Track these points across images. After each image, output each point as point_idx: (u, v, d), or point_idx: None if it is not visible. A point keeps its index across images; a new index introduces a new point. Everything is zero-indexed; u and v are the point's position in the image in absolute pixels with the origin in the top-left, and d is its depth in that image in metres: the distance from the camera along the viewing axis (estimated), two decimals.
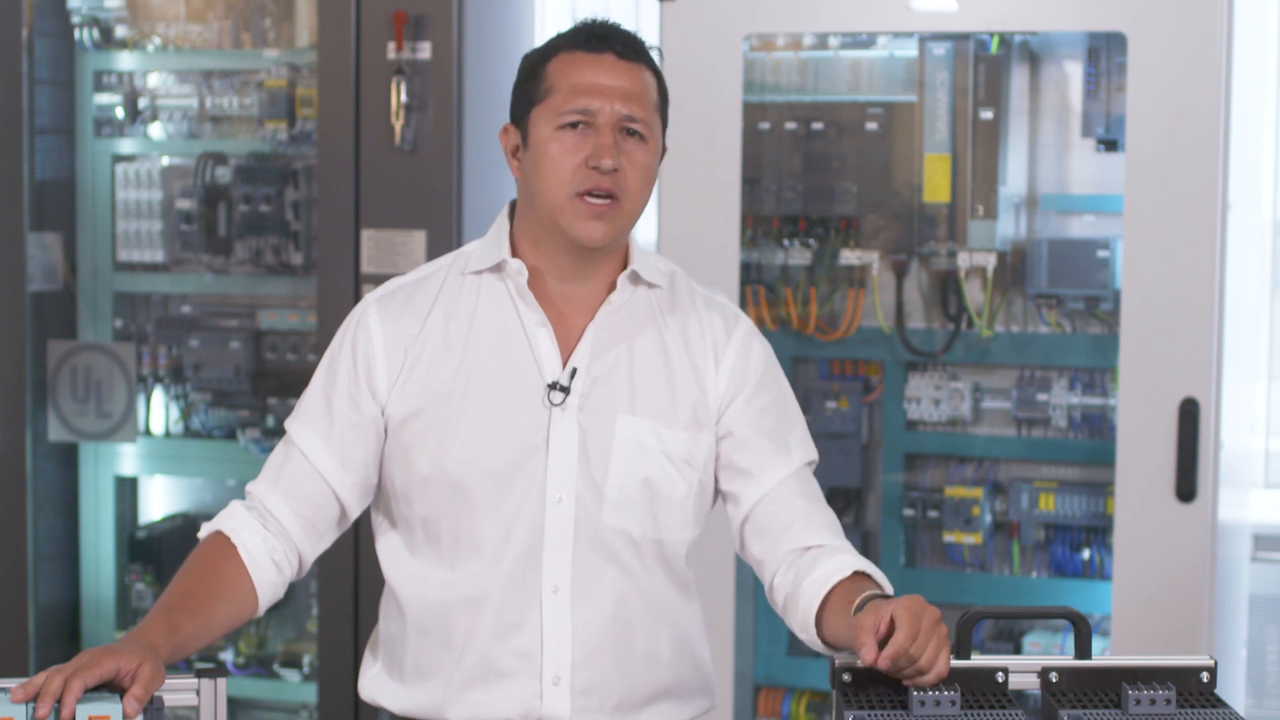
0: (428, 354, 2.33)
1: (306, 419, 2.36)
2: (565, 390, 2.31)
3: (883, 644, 1.98)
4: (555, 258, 2.34)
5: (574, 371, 2.31)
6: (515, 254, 2.36)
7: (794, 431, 2.40)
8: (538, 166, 2.30)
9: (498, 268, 2.36)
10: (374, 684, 2.42)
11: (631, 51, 2.33)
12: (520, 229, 2.37)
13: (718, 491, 2.41)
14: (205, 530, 2.32)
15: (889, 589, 2.25)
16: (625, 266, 2.38)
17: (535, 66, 2.35)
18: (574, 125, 2.28)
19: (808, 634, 2.25)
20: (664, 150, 2.41)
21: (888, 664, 1.97)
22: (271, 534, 2.32)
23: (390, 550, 2.39)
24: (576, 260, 2.34)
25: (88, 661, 1.99)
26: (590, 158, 2.27)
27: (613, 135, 2.28)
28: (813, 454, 2.41)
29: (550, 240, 2.33)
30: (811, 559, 2.29)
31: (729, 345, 2.39)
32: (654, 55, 2.38)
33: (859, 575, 2.24)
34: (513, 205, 2.41)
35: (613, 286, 2.36)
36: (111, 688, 2.00)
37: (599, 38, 2.32)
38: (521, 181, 2.35)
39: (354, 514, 2.39)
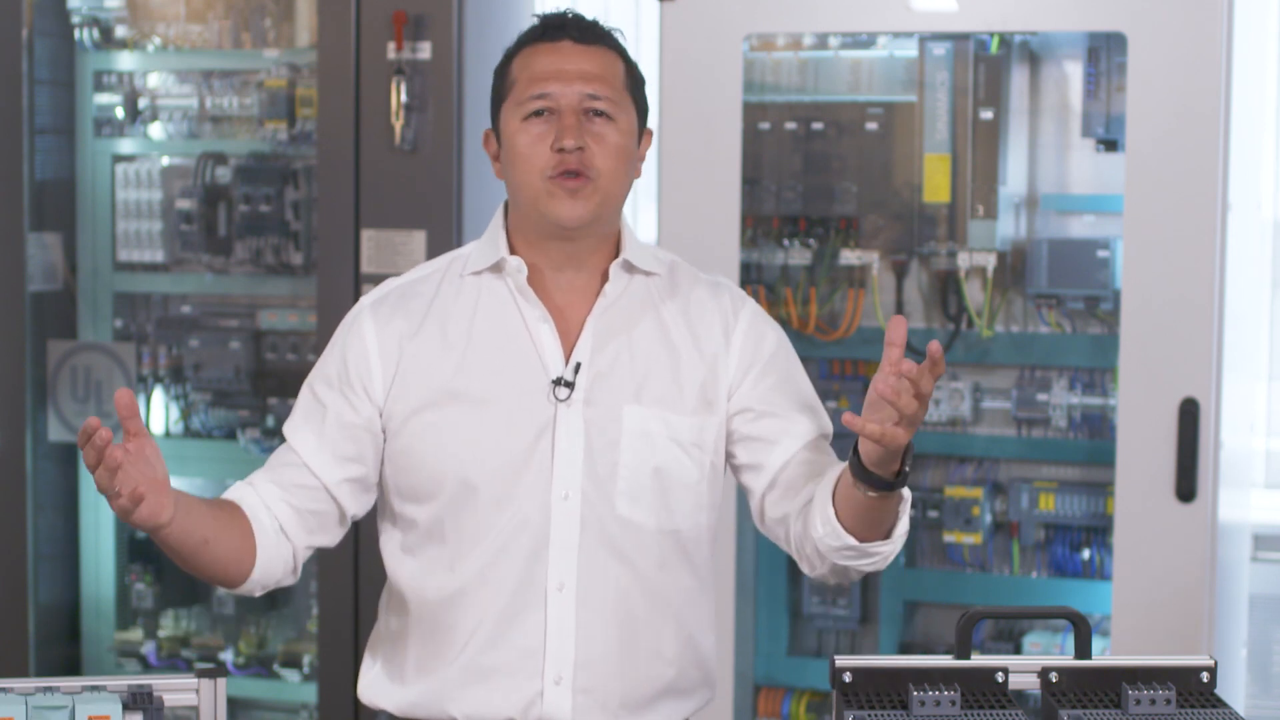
0: (425, 354, 2.33)
1: (302, 422, 2.38)
2: (570, 385, 2.31)
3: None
4: (546, 249, 2.34)
5: (578, 366, 2.31)
6: (512, 253, 2.37)
7: (811, 402, 2.41)
8: (511, 161, 2.32)
9: (496, 267, 2.36)
10: (374, 686, 2.42)
11: (590, 35, 2.34)
12: (512, 228, 2.38)
13: (731, 469, 2.41)
14: None
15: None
16: (618, 256, 2.38)
17: (501, 67, 2.38)
18: (539, 114, 2.29)
19: (830, 528, 2.22)
20: (647, 132, 2.40)
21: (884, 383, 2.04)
22: (270, 510, 2.34)
23: (393, 547, 2.39)
24: (566, 247, 2.34)
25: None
26: (554, 141, 2.27)
27: (575, 117, 2.28)
28: (829, 427, 2.41)
29: (537, 233, 2.34)
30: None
31: (738, 323, 2.39)
32: (618, 38, 2.38)
33: None
34: (506, 207, 2.42)
35: (608, 277, 2.36)
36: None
37: (555, 26, 2.34)
38: (505, 182, 2.36)
39: (352, 514, 2.39)
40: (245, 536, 2.31)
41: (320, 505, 2.36)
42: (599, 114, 2.30)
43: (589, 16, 2.38)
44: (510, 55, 2.37)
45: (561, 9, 2.40)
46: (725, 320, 2.39)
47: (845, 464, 2.21)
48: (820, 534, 2.24)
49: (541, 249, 2.35)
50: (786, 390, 2.39)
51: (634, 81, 2.38)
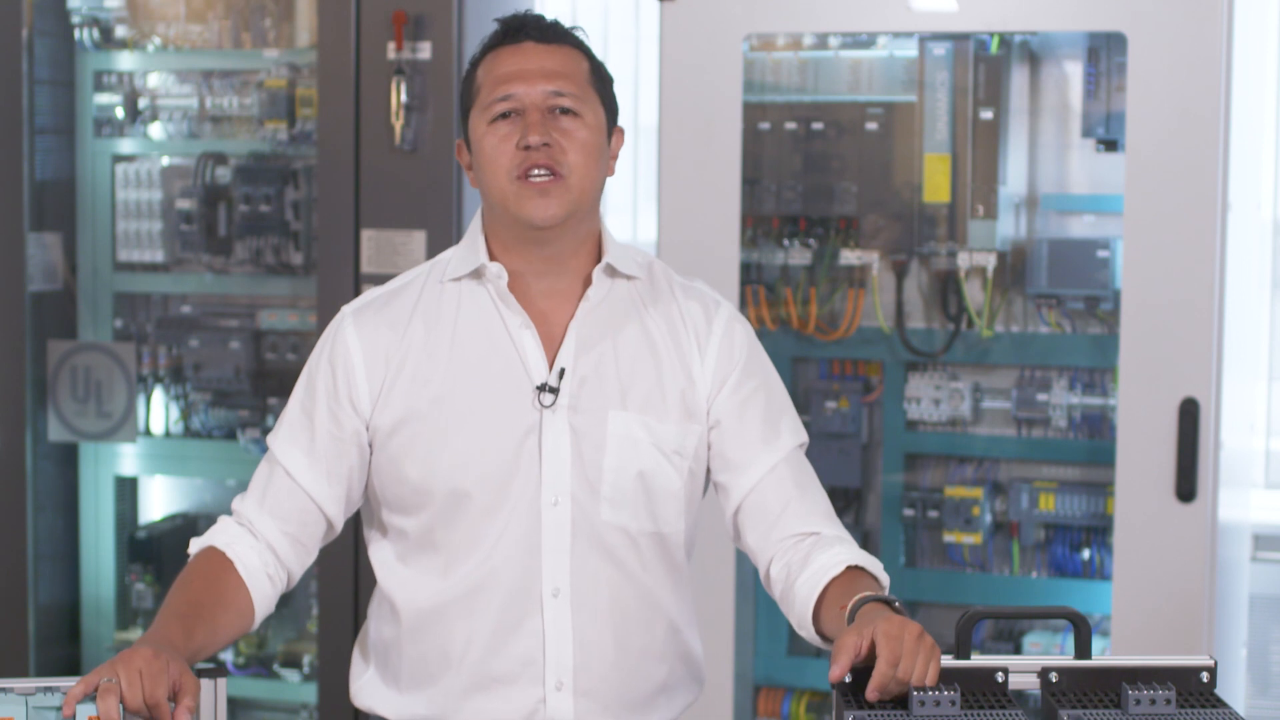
0: (410, 363, 2.32)
1: (289, 436, 2.35)
2: (554, 391, 2.30)
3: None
4: (525, 254, 2.33)
5: (562, 372, 2.31)
6: (491, 259, 2.36)
7: (782, 415, 2.39)
8: (480, 166, 2.31)
9: (477, 273, 2.35)
10: (368, 690, 2.40)
11: (551, 34, 2.33)
12: (490, 234, 2.36)
13: (710, 480, 2.41)
14: (195, 546, 2.31)
15: (884, 580, 2.25)
16: (600, 259, 2.37)
17: (468, 75, 2.37)
18: (505, 116, 2.29)
19: (806, 631, 2.25)
20: (618, 131, 2.39)
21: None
22: (263, 547, 2.32)
23: (384, 558, 2.37)
24: (544, 251, 2.33)
25: (147, 672, 1.98)
26: (520, 139, 2.27)
27: (540, 114, 2.28)
28: (802, 436, 2.40)
29: (514, 237, 2.32)
30: (805, 552, 2.28)
31: (711, 333, 2.38)
32: (580, 36, 2.37)
33: (853, 569, 2.24)
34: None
35: (589, 281, 2.36)
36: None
37: (515, 28, 2.34)
38: (479, 189, 2.35)
39: (339, 526, 2.38)
40: (241, 613, 2.28)
41: (315, 527, 2.35)
42: (565, 111, 2.30)
43: (549, 17, 2.38)
44: (475, 62, 2.36)
45: (521, 10, 2.39)
46: (698, 330, 2.38)
47: (829, 578, 2.22)
48: (796, 626, 2.28)
49: (520, 254, 2.33)
50: (761, 401, 2.38)
51: (599, 79, 2.36)
